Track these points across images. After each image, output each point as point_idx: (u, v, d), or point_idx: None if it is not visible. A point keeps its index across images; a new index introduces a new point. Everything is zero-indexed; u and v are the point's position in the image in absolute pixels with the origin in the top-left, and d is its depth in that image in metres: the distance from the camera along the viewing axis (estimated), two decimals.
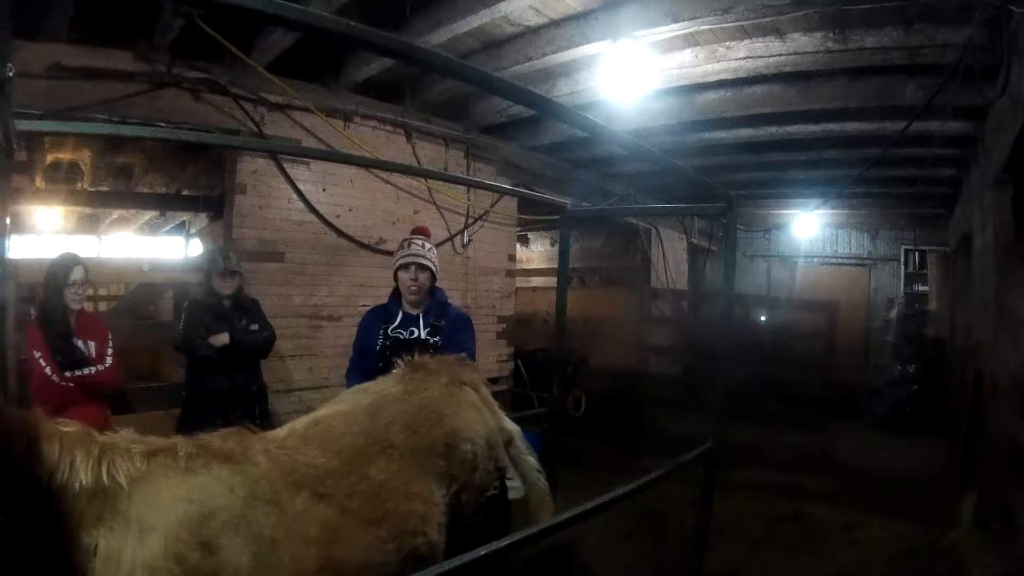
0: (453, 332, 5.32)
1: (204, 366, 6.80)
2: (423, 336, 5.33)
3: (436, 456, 3.59)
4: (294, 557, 2.78)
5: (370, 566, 3.03)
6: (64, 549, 2.34)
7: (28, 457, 2.33)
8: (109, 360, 6.22)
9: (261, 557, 2.69)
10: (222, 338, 6.75)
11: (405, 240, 5.57)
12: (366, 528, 3.08)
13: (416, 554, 3.21)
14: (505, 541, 2.79)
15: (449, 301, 5.69)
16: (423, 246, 5.48)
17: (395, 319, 5.45)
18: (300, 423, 3.45)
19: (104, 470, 2.48)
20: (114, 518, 2.44)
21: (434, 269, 5.48)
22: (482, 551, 2.61)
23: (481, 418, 4.16)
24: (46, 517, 2.33)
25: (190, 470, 2.73)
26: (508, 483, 4.34)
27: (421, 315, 5.46)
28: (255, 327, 7.15)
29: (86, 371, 5.98)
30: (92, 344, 6.16)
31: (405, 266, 5.40)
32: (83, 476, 2.43)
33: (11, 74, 2.07)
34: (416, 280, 5.37)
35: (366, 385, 4.16)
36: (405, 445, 3.51)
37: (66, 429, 2.57)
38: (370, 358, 5.29)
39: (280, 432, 3.32)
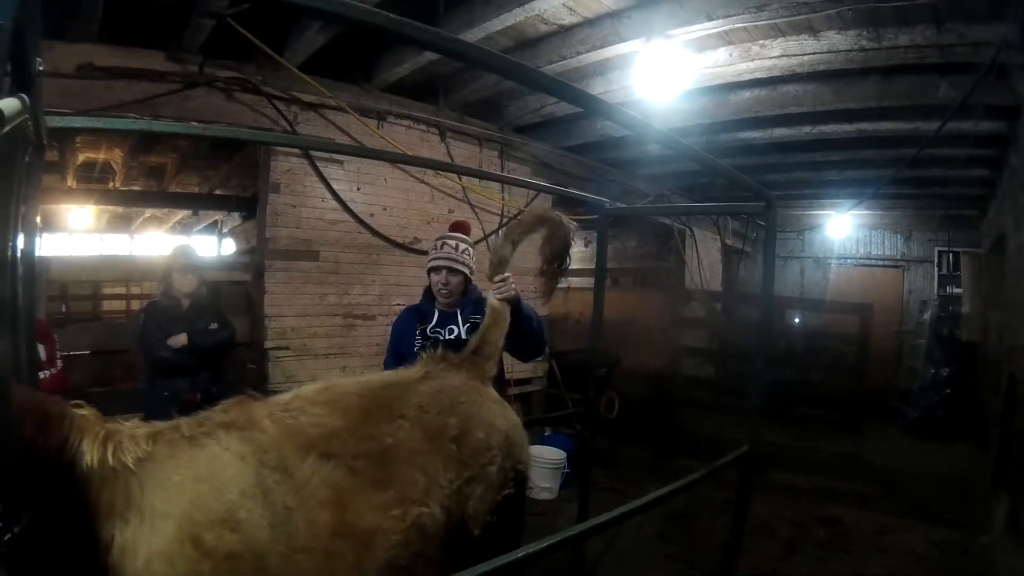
0: None
1: (163, 368, 6.70)
2: (463, 335, 5.14)
3: (446, 439, 3.52)
4: (309, 523, 2.75)
5: (379, 532, 2.98)
6: (80, 542, 2.31)
7: (38, 437, 2.29)
8: (59, 364, 6.21)
9: (277, 527, 2.66)
10: (180, 339, 6.66)
11: (439, 239, 5.41)
12: (372, 491, 3.04)
13: (420, 525, 3.16)
14: (545, 542, 2.74)
15: (484, 295, 5.40)
16: (456, 248, 5.32)
17: (432, 318, 5.30)
18: (308, 388, 3.38)
19: (110, 452, 2.43)
20: (128, 508, 2.40)
21: (467, 272, 5.33)
22: (520, 553, 2.57)
23: (503, 413, 4.04)
24: (58, 505, 2.28)
25: (196, 444, 2.70)
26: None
27: (458, 312, 5.31)
28: (214, 326, 7.04)
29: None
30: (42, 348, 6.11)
31: (436, 268, 5.26)
32: (89, 458, 2.38)
33: (40, 68, 2.06)
34: (447, 284, 5.22)
35: (387, 372, 4.15)
36: (415, 420, 3.45)
37: (80, 412, 2.53)
38: (407, 360, 5.06)
39: (285, 396, 3.26)
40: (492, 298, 4.66)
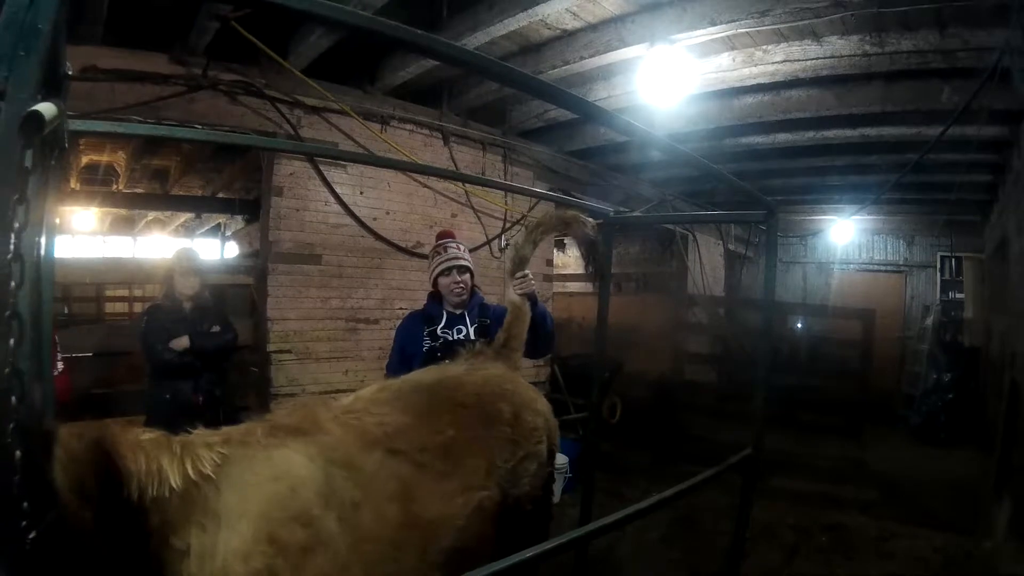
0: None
1: (166, 371, 6.72)
2: (472, 336, 5.22)
3: (502, 423, 3.65)
4: (376, 516, 2.81)
5: (443, 519, 3.07)
6: (157, 557, 2.32)
7: (112, 475, 2.27)
8: (60, 366, 6.18)
9: (346, 521, 2.70)
10: (182, 342, 6.68)
11: (439, 245, 5.50)
12: (438, 482, 3.13)
13: (481, 508, 3.27)
14: (548, 544, 2.77)
15: (486, 301, 5.61)
16: (459, 248, 5.43)
17: (440, 320, 5.36)
18: (366, 390, 3.49)
19: (190, 467, 2.44)
20: (204, 515, 2.41)
21: (473, 269, 5.44)
22: (528, 553, 2.58)
23: (540, 398, 4.21)
24: (138, 531, 2.29)
25: (268, 448, 2.73)
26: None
27: (466, 314, 5.38)
28: (216, 329, 7.07)
29: None
30: None
31: (447, 271, 5.33)
32: (173, 479, 2.38)
33: (69, 72, 2.08)
34: (459, 282, 5.30)
35: (426, 368, 4.19)
36: (472, 407, 3.58)
37: (145, 437, 2.51)
38: (414, 362, 5.10)
39: (346, 400, 3.35)
40: (512, 293, 4.82)
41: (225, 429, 2.79)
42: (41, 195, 2.11)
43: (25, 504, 1.69)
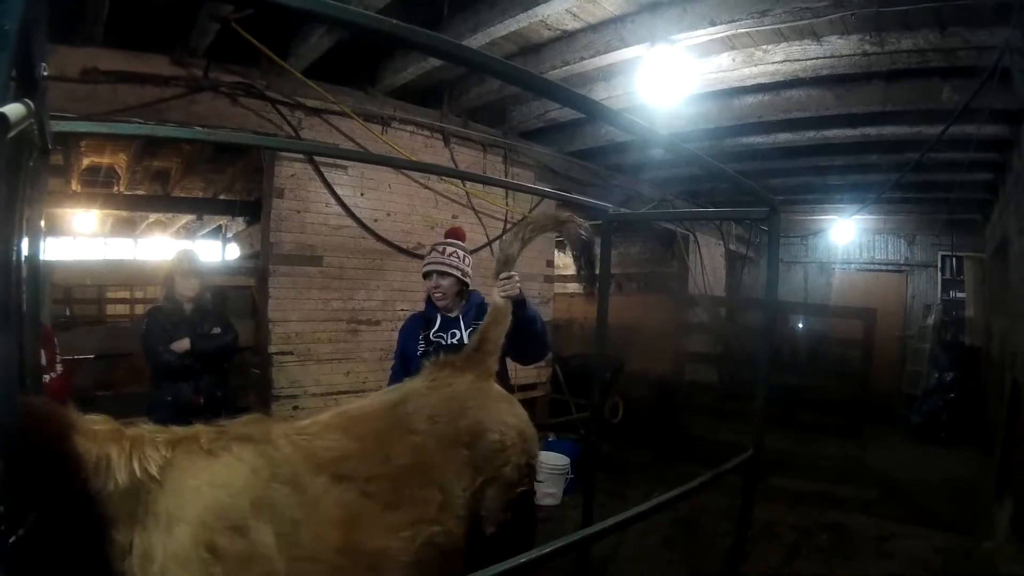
0: None
1: (167, 373, 6.72)
2: (466, 339, 5.15)
3: (459, 446, 3.52)
4: (315, 538, 2.77)
5: (387, 552, 2.99)
6: (100, 550, 2.30)
7: (64, 456, 2.29)
8: (59, 368, 6.17)
9: (283, 537, 2.67)
10: (183, 344, 6.68)
11: (431, 247, 5.51)
12: (384, 513, 3.04)
13: (432, 543, 3.15)
14: (549, 547, 2.75)
15: (486, 301, 5.47)
16: (444, 251, 5.38)
17: (434, 323, 5.35)
18: (324, 414, 3.39)
19: (137, 465, 2.43)
20: (146, 514, 2.40)
21: (459, 274, 5.36)
22: (523, 558, 2.57)
23: (513, 410, 4.04)
24: (81, 519, 2.28)
25: (213, 454, 2.70)
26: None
27: (461, 317, 5.35)
28: (217, 330, 7.05)
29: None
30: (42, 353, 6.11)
31: (427, 274, 5.36)
32: (118, 474, 2.38)
33: (45, 73, 2.07)
34: (438, 287, 5.29)
35: (394, 386, 4.09)
36: (427, 432, 3.45)
37: (98, 427, 2.51)
38: (411, 365, 5.10)
39: (303, 421, 3.28)
40: (495, 295, 4.69)
41: (173, 428, 2.77)
42: (16, 196, 2.11)
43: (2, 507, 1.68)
